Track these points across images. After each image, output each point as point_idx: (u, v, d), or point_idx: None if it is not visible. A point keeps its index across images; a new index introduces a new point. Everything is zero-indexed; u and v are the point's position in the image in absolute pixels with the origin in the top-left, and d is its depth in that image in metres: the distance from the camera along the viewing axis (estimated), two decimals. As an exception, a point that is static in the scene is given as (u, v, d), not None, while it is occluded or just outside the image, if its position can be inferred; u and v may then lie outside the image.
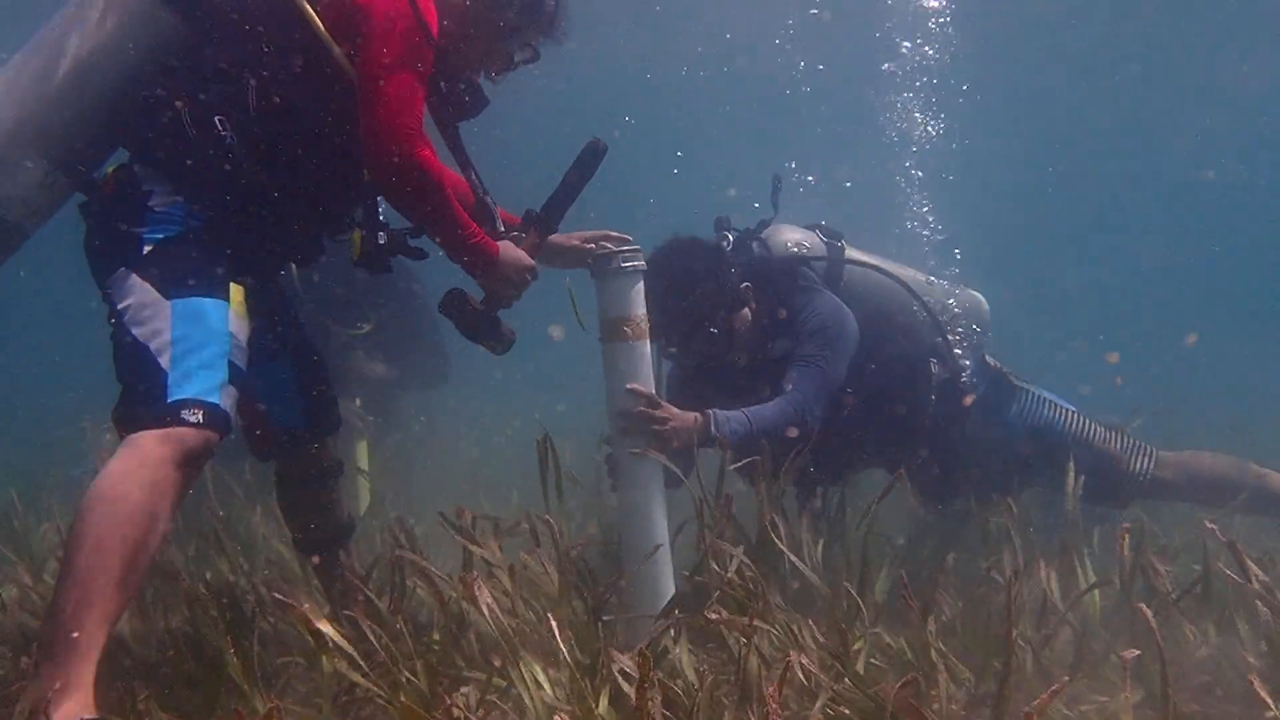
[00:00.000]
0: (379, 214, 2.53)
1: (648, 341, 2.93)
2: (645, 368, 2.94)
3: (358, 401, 5.67)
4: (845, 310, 3.58)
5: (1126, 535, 2.96)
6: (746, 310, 3.63)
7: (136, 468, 2.00)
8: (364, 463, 5.32)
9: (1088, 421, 3.85)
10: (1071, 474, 3.52)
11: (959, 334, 3.94)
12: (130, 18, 2.29)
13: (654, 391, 2.97)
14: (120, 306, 2.18)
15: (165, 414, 2.07)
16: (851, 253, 3.89)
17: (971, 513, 3.79)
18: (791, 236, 3.88)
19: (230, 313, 2.25)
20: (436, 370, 6.13)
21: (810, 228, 3.91)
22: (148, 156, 2.30)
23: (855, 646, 2.57)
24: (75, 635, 1.83)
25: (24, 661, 2.45)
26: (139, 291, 2.17)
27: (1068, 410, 3.87)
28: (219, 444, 2.15)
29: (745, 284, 3.62)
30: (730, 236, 3.80)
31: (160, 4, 2.32)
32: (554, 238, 2.88)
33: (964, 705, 2.37)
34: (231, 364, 2.22)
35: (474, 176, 2.70)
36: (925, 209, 5.77)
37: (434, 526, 3.21)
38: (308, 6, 2.30)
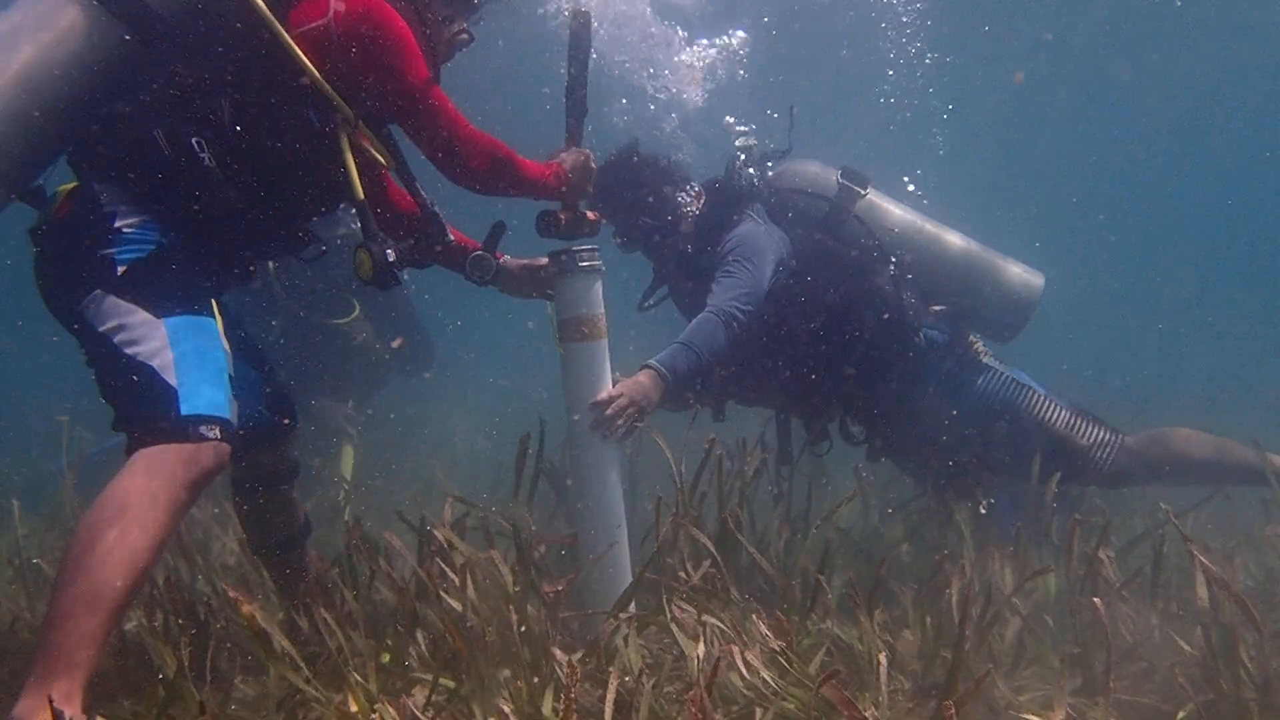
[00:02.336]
0: (375, 231, 2.49)
1: (605, 341, 2.95)
2: (603, 367, 2.95)
3: (350, 403, 5.71)
4: (765, 237, 3.65)
5: (1077, 527, 3.00)
6: (693, 198, 3.84)
7: (157, 486, 2.00)
8: (348, 469, 5.34)
9: (1053, 404, 3.85)
10: (1036, 464, 3.55)
11: (936, 308, 3.93)
12: (86, 28, 2.24)
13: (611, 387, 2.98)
14: (106, 328, 2.15)
15: (183, 429, 2.08)
16: (874, 198, 3.95)
17: (930, 503, 3.84)
18: (807, 170, 3.99)
19: (220, 329, 2.27)
20: (422, 356, 6.23)
21: (837, 167, 3.97)
22: (109, 175, 2.26)
23: (808, 641, 2.62)
24: (73, 647, 1.82)
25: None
26: (126, 312, 2.15)
27: (1034, 392, 3.86)
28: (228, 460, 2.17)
29: (698, 187, 3.88)
30: (743, 157, 3.95)
31: (114, 20, 2.26)
32: (509, 262, 3.03)
33: (910, 696, 2.40)
34: (230, 378, 2.24)
35: (417, 187, 2.71)
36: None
37: (400, 524, 3.22)
38: (281, 29, 2.27)
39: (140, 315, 2.16)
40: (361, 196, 2.41)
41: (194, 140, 2.26)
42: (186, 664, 2.04)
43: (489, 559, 2.68)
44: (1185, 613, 2.84)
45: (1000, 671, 2.43)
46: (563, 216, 2.93)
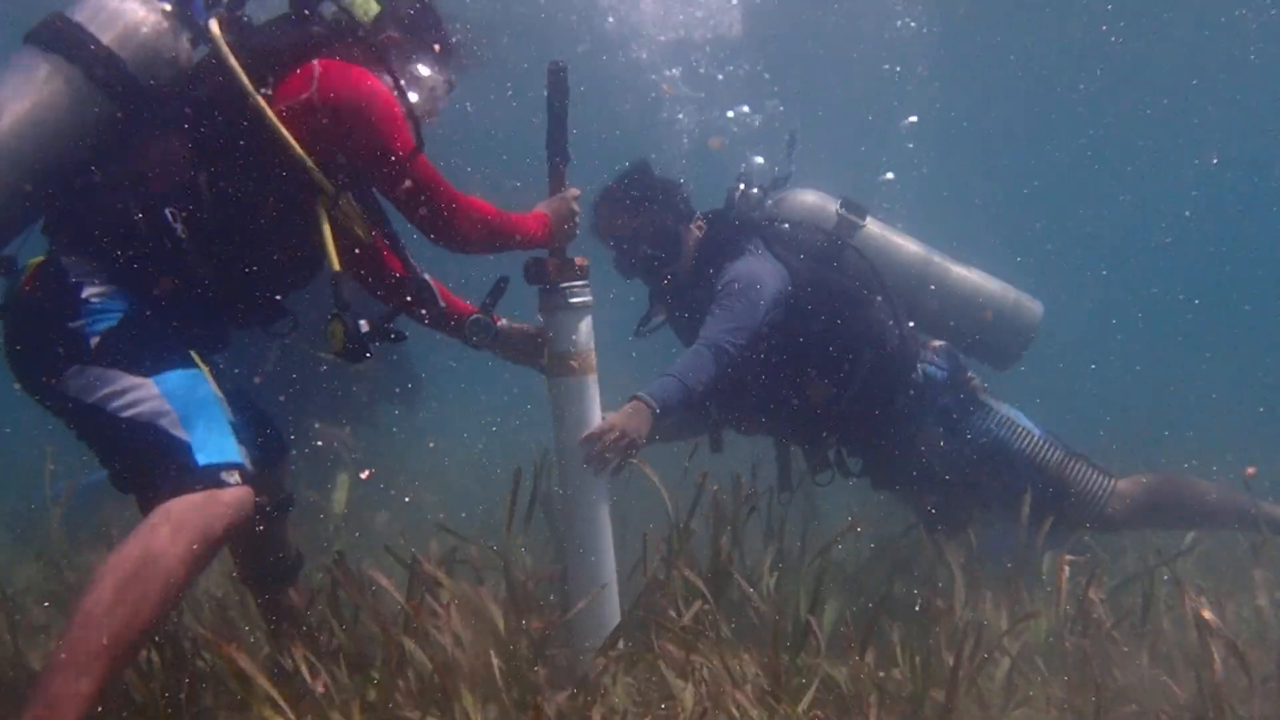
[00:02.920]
0: (347, 303, 2.42)
1: (594, 376, 2.95)
2: (592, 402, 2.95)
3: (347, 429, 5.68)
4: (763, 271, 3.64)
5: (1066, 567, 3.00)
6: (695, 229, 3.83)
7: (185, 540, 1.99)
8: (341, 501, 5.29)
9: (1048, 446, 3.85)
10: (1026, 505, 3.55)
11: (936, 343, 3.95)
12: (59, 95, 2.22)
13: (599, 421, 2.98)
14: (96, 399, 2.13)
15: (205, 478, 2.07)
16: (872, 229, 3.98)
17: (920, 540, 3.83)
18: (805, 201, 4.01)
19: (208, 375, 2.26)
20: (409, 390, 6.18)
21: (836, 198, 4.01)
22: (79, 246, 2.25)
23: (797, 680, 2.60)
24: (64, 708, 1.80)
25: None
26: (112, 379, 2.14)
27: (1030, 433, 3.87)
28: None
29: (699, 217, 3.85)
30: (743, 187, 3.97)
31: (95, 88, 2.25)
32: (509, 326, 3.02)
33: (899, 737, 2.39)
34: (231, 423, 2.23)
35: (407, 255, 2.71)
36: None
37: (388, 556, 3.20)
38: (265, 104, 2.25)
39: (128, 379, 2.14)
40: (338, 268, 2.36)
41: (168, 211, 2.23)
42: (164, 699, 2.02)
43: (476, 595, 2.67)
44: (1176, 654, 2.83)
45: (990, 714, 2.42)
46: (550, 265, 2.91)
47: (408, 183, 2.41)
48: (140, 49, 2.30)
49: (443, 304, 2.86)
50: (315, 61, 2.32)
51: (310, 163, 2.28)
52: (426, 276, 2.79)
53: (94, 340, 2.16)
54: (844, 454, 3.92)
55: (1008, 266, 4.30)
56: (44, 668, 1.87)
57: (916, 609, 3.11)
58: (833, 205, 3.98)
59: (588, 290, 2.95)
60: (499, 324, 2.98)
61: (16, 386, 2.28)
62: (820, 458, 3.91)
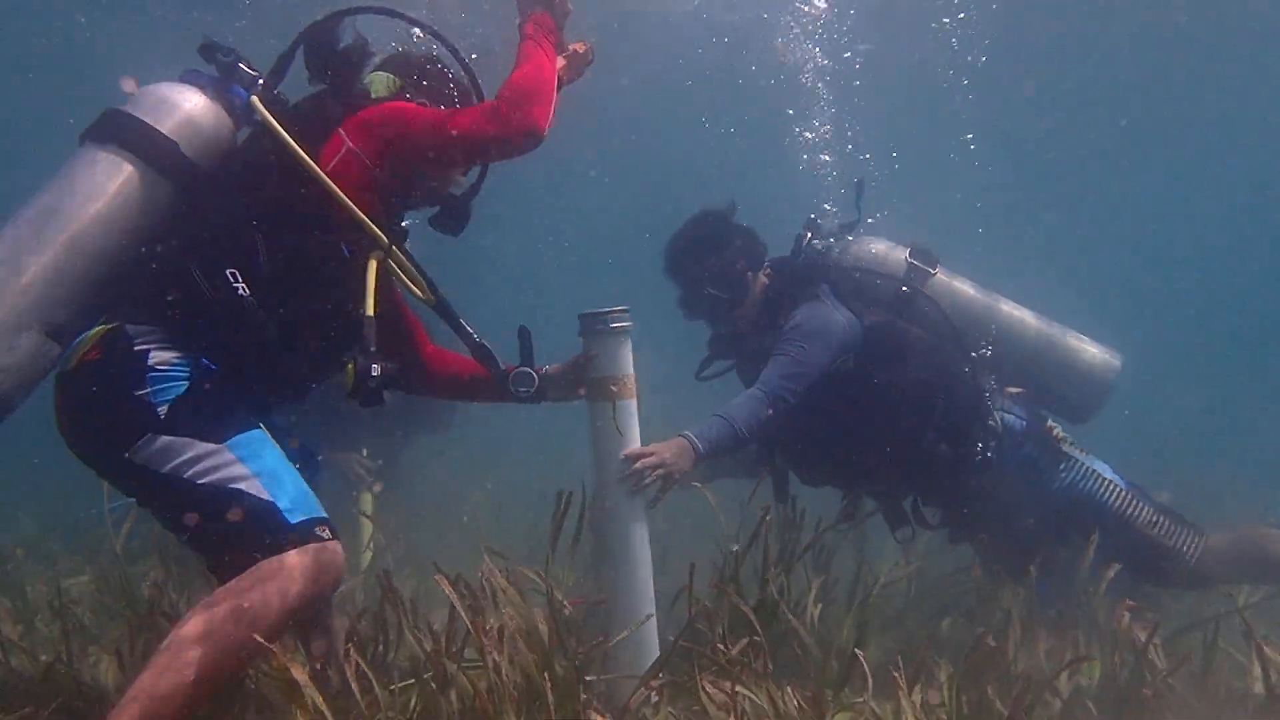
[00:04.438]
0: (370, 346, 2.46)
1: (634, 401, 2.95)
2: (632, 426, 2.95)
3: (364, 451, 5.73)
4: (829, 317, 3.59)
5: (1127, 612, 2.92)
6: (762, 276, 3.81)
7: (288, 596, 2.07)
8: (368, 509, 5.34)
9: (1136, 500, 3.68)
10: (1092, 548, 3.42)
11: (1013, 390, 3.83)
12: (127, 185, 2.34)
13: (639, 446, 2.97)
14: (171, 468, 2.16)
15: (303, 536, 2.14)
16: (943, 277, 3.90)
17: (976, 580, 3.72)
18: (875, 249, 3.94)
19: (268, 435, 2.32)
20: (440, 415, 6.21)
21: (905, 245, 3.95)
22: (144, 315, 2.30)
23: (841, 717, 2.55)
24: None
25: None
26: (185, 447, 2.17)
27: (1116, 486, 3.71)
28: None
29: (767, 265, 3.84)
30: (810, 236, 3.93)
31: (158, 175, 2.37)
32: (550, 370, 3.00)
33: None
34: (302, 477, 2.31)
35: (461, 322, 2.78)
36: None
37: (428, 579, 3.21)
38: (314, 164, 2.36)
39: (201, 446, 2.18)
40: (371, 312, 2.42)
41: (229, 272, 2.30)
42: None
43: (527, 616, 2.66)
44: (1234, 702, 2.73)
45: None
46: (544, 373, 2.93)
47: (448, 143, 2.46)
48: (196, 134, 2.44)
49: (503, 366, 2.90)
50: (341, 128, 2.44)
51: (360, 215, 2.39)
52: (484, 342, 2.84)
53: (162, 409, 2.19)
54: (919, 505, 3.81)
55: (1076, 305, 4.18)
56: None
57: (967, 649, 3.03)
58: (902, 253, 3.92)
59: (627, 315, 2.96)
60: (540, 373, 2.98)
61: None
62: (896, 510, 3.81)
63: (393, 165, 2.46)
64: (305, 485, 2.27)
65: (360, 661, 2.42)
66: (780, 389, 3.36)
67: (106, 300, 2.34)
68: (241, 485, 2.15)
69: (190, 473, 2.15)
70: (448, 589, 2.56)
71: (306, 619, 2.80)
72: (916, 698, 2.49)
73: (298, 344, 2.42)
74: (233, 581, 2.06)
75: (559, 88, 2.67)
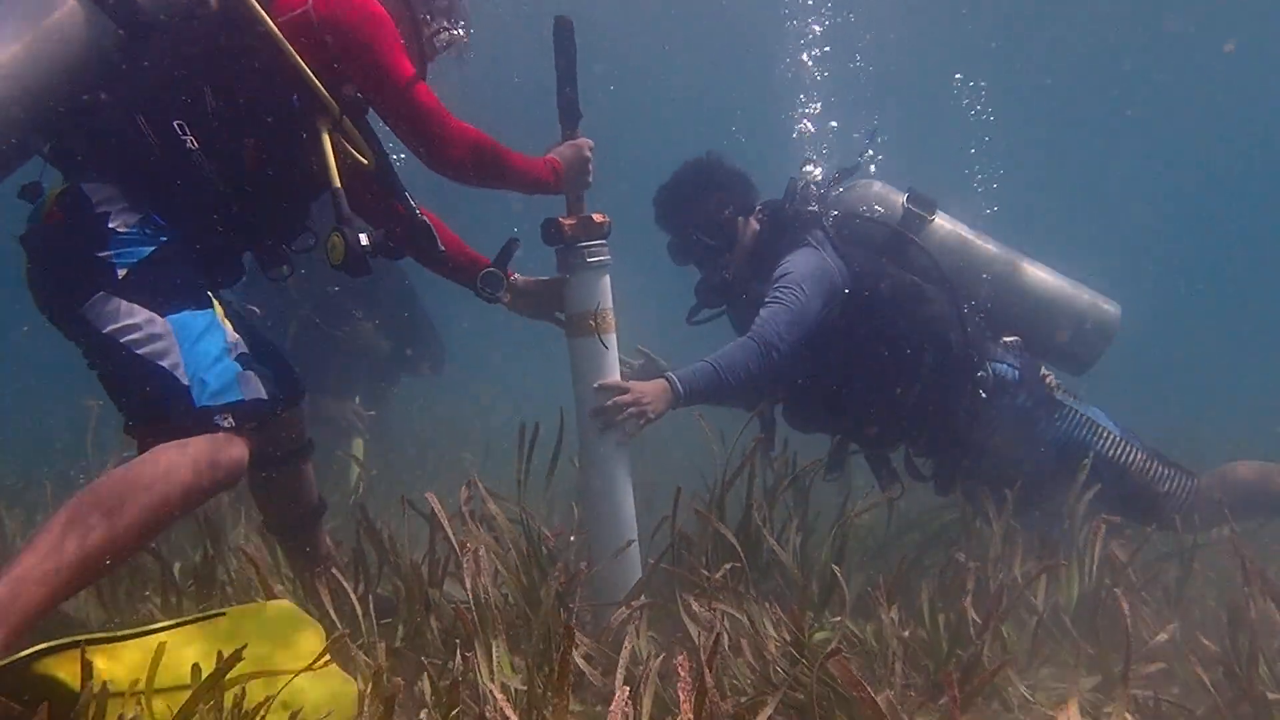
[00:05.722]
0: (348, 215, 2.46)
1: (613, 335, 2.94)
2: (611, 361, 2.95)
3: (356, 399, 5.76)
4: (821, 264, 3.54)
5: (1102, 527, 2.95)
6: (754, 221, 3.77)
7: (176, 479, 2.06)
8: (359, 454, 5.40)
9: (1129, 446, 3.68)
10: (1083, 474, 3.44)
11: (1008, 339, 3.78)
12: (77, 26, 2.26)
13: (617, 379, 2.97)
14: (112, 329, 2.17)
15: (197, 422, 2.13)
16: (940, 223, 3.81)
17: (958, 506, 3.73)
18: (869, 192, 3.86)
19: (219, 316, 2.31)
20: (437, 356, 6.26)
21: (903, 191, 3.84)
22: (95, 171, 2.28)
23: (820, 635, 2.58)
24: (16, 607, 1.84)
25: None
26: (129, 313, 2.18)
27: (1110, 434, 3.69)
28: (255, 439, 2.24)
29: (759, 206, 3.80)
30: (802, 180, 3.85)
31: (108, 21, 2.29)
32: (521, 280, 3.04)
33: (922, 692, 2.36)
34: (240, 355, 2.29)
35: (405, 194, 2.71)
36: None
37: (413, 513, 3.22)
38: (268, 18, 2.29)
39: (143, 314, 2.18)
40: (337, 183, 2.40)
41: (176, 124, 2.28)
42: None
43: (505, 539, 2.67)
44: (1207, 621, 2.78)
45: (1015, 669, 2.39)
46: (566, 224, 2.90)
47: (398, 99, 2.44)
48: None
49: (442, 247, 2.84)
50: None
51: (312, 78, 2.33)
52: (426, 217, 2.77)
53: (121, 271, 2.20)
54: (911, 455, 3.79)
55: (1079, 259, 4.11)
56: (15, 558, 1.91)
57: (945, 569, 3.07)
58: (899, 197, 3.82)
59: (606, 249, 2.94)
60: (512, 277, 2.97)
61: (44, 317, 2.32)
62: (885, 462, 3.80)
63: (335, 57, 2.39)
64: (230, 362, 2.24)
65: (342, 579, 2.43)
66: (772, 336, 3.32)
67: (44, 144, 2.31)
68: (164, 363, 2.15)
69: (126, 339, 2.16)
70: (436, 506, 2.58)
71: (300, 548, 2.83)
72: (895, 614, 2.52)
73: (250, 199, 2.41)
74: (121, 468, 2.06)
75: (545, 193, 2.81)
